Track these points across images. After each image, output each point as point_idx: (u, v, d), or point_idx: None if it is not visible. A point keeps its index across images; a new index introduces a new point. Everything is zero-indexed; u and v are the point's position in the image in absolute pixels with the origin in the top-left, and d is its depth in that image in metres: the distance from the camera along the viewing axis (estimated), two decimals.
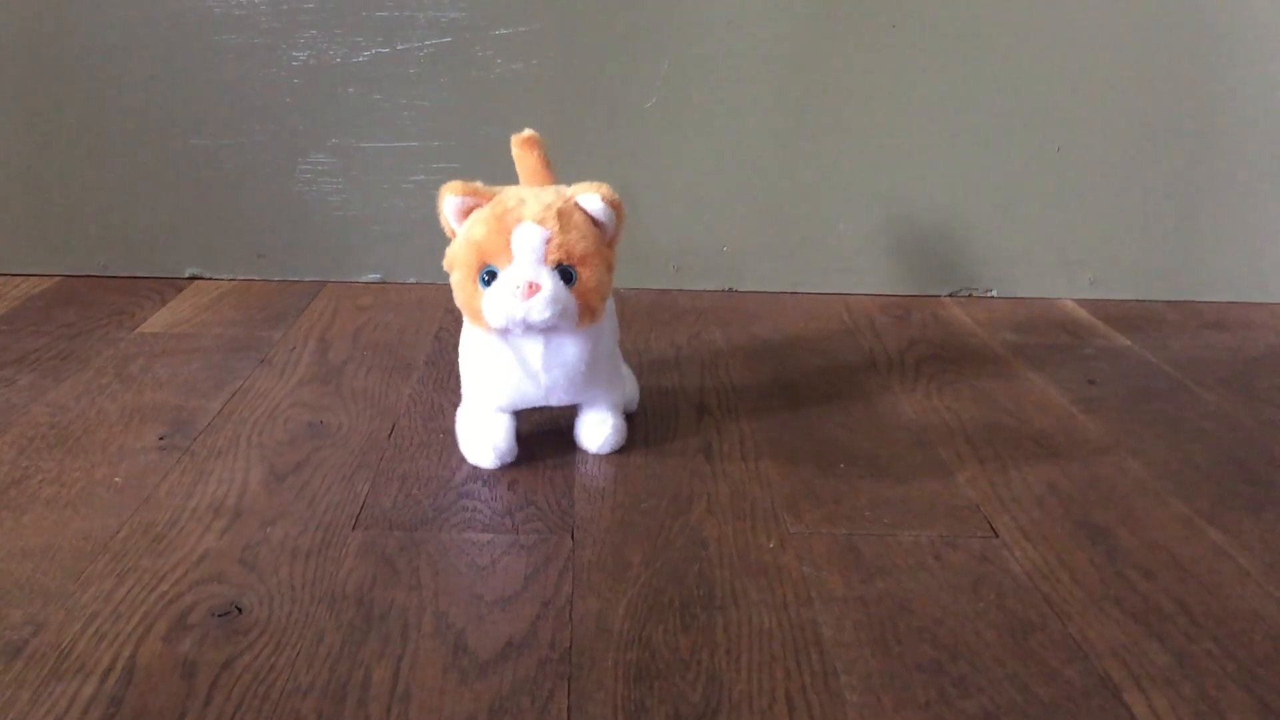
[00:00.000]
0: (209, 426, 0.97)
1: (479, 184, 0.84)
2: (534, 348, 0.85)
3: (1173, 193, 1.40)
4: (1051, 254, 1.42)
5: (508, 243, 0.81)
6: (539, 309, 0.80)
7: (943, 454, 0.96)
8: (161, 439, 0.94)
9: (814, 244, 1.41)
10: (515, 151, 0.95)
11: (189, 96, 1.35)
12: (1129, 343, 1.27)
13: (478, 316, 0.83)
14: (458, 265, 0.84)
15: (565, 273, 0.81)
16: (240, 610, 0.69)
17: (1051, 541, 0.81)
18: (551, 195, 0.83)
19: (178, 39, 1.32)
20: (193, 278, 1.41)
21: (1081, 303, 1.42)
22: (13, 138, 1.36)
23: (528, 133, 0.94)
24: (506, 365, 0.86)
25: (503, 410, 0.90)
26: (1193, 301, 1.43)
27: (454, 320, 1.28)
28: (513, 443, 0.90)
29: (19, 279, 1.39)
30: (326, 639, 0.67)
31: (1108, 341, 1.27)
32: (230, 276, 1.41)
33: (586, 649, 0.67)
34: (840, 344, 1.24)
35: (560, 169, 0.95)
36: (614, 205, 0.83)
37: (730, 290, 1.43)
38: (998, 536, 0.81)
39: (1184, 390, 1.12)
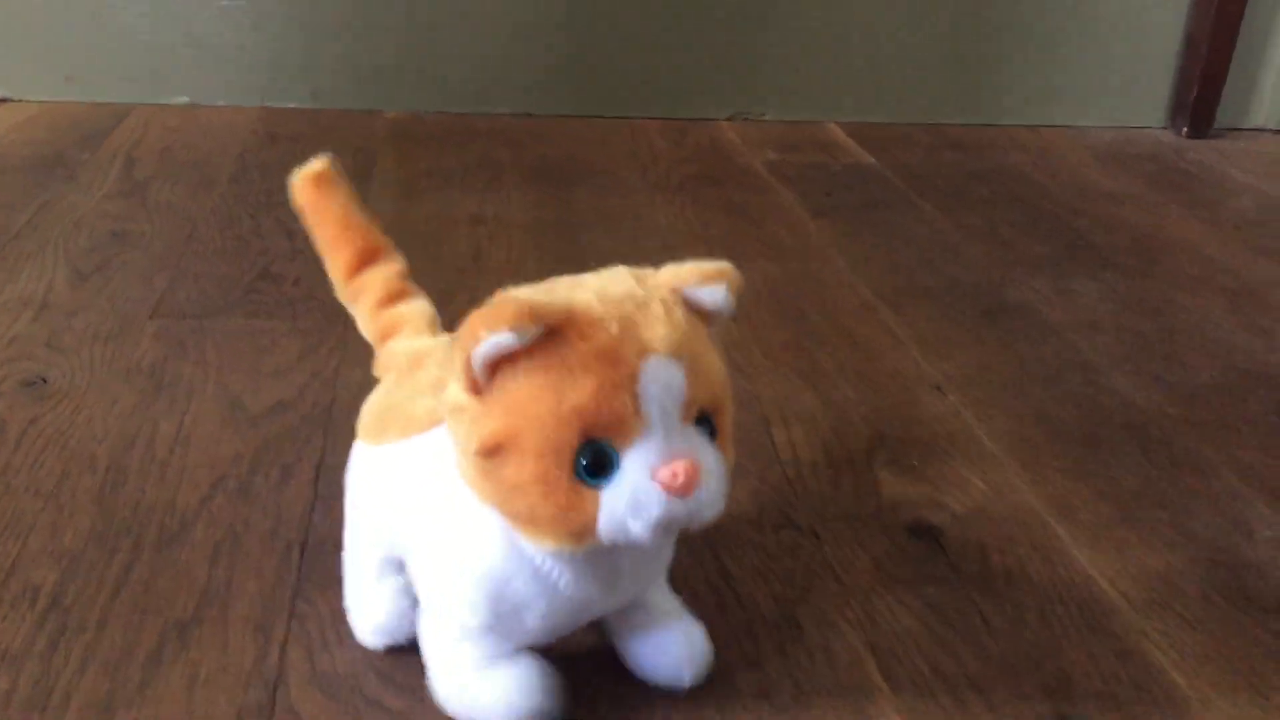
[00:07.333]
0: (17, 234, 1.06)
1: (539, 294, 0.47)
2: (622, 554, 0.50)
3: (933, 22, 1.55)
4: (821, 78, 1.56)
5: (634, 397, 0.45)
6: (711, 503, 0.46)
7: (684, 258, 1.10)
8: None
9: (605, 71, 1.53)
10: (307, 198, 0.59)
11: None
12: (873, 160, 1.43)
13: (583, 533, 0.46)
14: (517, 449, 0.45)
15: (706, 425, 0.48)
16: (45, 381, 0.81)
17: (754, 321, 0.97)
18: (642, 291, 0.48)
19: None
20: (2, 100, 1.45)
21: (844, 125, 1.57)
22: None
23: (319, 165, 0.59)
24: (555, 591, 0.50)
25: (522, 646, 0.53)
26: (944, 124, 1.60)
27: (258, 141, 1.37)
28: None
29: None
30: (120, 402, 0.79)
31: (855, 159, 1.43)
32: (39, 99, 1.46)
33: (345, 408, 0.80)
34: (619, 165, 1.37)
35: None
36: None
37: (527, 115, 1.54)
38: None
39: (905, 200, 1.29)
